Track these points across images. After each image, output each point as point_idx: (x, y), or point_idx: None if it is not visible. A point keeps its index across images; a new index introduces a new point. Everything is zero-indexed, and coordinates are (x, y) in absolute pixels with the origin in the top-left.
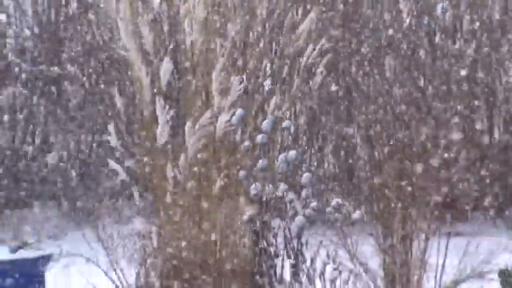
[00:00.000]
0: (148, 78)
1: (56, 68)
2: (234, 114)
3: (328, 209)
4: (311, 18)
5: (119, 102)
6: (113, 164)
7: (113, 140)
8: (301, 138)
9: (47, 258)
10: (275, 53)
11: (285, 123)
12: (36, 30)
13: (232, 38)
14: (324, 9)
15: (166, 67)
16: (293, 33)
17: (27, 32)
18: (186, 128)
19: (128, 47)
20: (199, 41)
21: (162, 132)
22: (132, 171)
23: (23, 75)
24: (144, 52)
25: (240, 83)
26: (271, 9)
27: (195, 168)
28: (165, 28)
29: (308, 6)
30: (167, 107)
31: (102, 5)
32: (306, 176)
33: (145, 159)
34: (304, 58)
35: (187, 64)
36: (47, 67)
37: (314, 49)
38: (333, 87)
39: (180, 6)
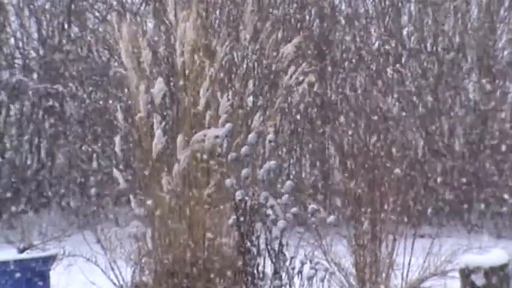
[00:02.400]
0: (145, 95)
1: (59, 86)
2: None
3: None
4: (294, 44)
5: (120, 116)
6: (116, 172)
7: (118, 149)
8: (281, 150)
9: (51, 258)
10: (258, 73)
11: (270, 137)
12: (41, 51)
13: (219, 60)
14: (302, 33)
15: (159, 87)
16: (276, 55)
17: (33, 54)
18: (178, 141)
19: (127, 66)
20: (190, 62)
21: (156, 144)
22: (130, 179)
23: (30, 93)
24: (142, 71)
25: (228, 100)
26: (254, 33)
27: (186, 177)
28: (161, 49)
29: (287, 32)
30: (162, 122)
31: (101, 29)
32: (288, 184)
33: (142, 168)
34: (286, 78)
35: (180, 82)
36: (51, 85)
37: (295, 71)
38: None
39: (175, 29)
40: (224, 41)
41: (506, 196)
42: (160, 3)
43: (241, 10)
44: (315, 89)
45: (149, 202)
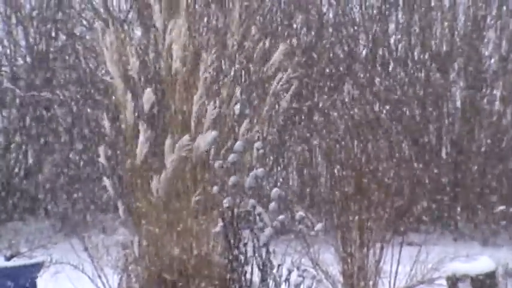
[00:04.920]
0: (131, 103)
1: (46, 94)
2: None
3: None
4: (281, 51)
5: (106, 124)
6: (105, 180)
7: (102, 159)
8: (268, 158)
9: (38, 266)
10: (245, 80)
11: (257, 144)
12: (28, 59)
13: (207, 67)
14: (289, 41)
15: (148, 96)
16: (263, 63)
17: (21, 61)
18: (166, 146)
19: (113, 74)
20: (179, 69)
21: (141, 151)
22: (117, 186)
23: (17, 100)
24: (129, 78)
25: (214, 108)
26: (240, 41)
27: (174, 184)
28: (151, 56)
29: (275, 40)
30: (149, 130)
31: (88, 37)
32: (274, 192)
33: (129, 176)
34: (273, 85)
35: (169, 89)
36: (39, 93)
37: (282, 78)
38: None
39: (163, 37)
40: (212, 48)
41: (493, 204)
42: (148, 11)
43: (229, 18)
44: (302, 96)
45: (136, 209)
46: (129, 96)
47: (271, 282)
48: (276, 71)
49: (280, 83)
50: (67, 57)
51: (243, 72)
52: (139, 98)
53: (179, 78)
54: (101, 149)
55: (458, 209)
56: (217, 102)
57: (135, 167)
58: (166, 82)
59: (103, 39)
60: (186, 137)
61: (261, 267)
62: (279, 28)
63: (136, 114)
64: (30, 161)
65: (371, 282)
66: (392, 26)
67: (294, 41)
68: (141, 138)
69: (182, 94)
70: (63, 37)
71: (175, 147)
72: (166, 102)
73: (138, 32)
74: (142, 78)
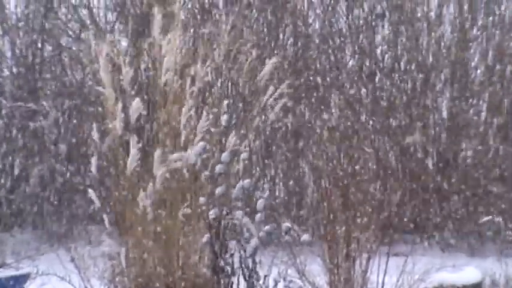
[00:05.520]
0: (122, 113)
1: (32, 105)
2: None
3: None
4: (272, 63)
5: (95, 135)
6: (91, 192)
7: (94, 169)
8: (255, 169)
9: (25, 277)
10: (232, 92)
11: (243, 155)
12: (14, 70)
13: (199, 79)
14: (276, 52)
15: (136, 106)
16: (252, 75)
17: (7, 72)
18: (155, 158)
19: (105, 83)
20: (170, 81)
21: (132, 162)
22: (104, 197)
23: (3, 111)
24: (119, 89)
25: (206, 120)
26: (227, 52)
27: (161, 195)
28: (142, 66)
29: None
30: (139, 142)
31: (74, 48)
32: (260, 202)
33: (117, 186)
34: (264, 98)
35: (160, 100)
36: (25, 103)
37: (275, 91)
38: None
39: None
40: (202, 60)
41: (479, 214)
42: (136, 23)
43: (217, 30)
44: (289, 108)
45: (123, 221)
46: (119, 106)
47: None
48: (266, 84)
49: (273, 96)
50: (53, 68)
51: (231, 84)
52: (129, 108)
53: (169, 90)
54: (93, 160)
55: (445, 219)
56: (206, 114)
57: (124, 178)
58: (157, 93)
59: (95, 49)
60: (178, 153)
61: (248, 278)
62: (266, 39)
63: (125, 124)
64: (17, 171)
65: None
66: (379, 37)
67: (281, 52)
68: (132, 150)
69: (171, 106)
70: (49, 48)
71: (164, 159)
72: (155, 113)
73: (123, 43)
74: (134, 88)
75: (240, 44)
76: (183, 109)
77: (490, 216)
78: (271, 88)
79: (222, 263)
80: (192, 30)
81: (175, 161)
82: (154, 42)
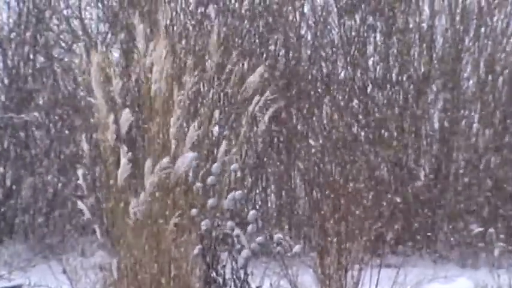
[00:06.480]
0: (113, 124)
1: (24, 116)
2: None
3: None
4: (259, 72)
5: (85, 146)
6: (80, 204)
7: (81, 181)
8: (247, 180)
9: None
10: (224, 102)
11: (233, 167)
12: (6, 81)
13: (187, 89)
14: (267, 62)
15: (125, 117)
16: (241, 85)
17: None
18: (146, 168)
19: (96, 95)
20: (158, 91)
21: (122, 173)
22: (95, 208)
23: None
24: (111, 100)
25: (196, 130)
26: (219, 63)
27: (152, 205)
28: (133, 78)
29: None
30: (129, 153)
31: (66, 59)
32: (251, 214)
33: (107, 198)
34: (251, 107)
35: (149, 111)
36: (17, 115)
37: (260, 100)
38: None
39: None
40: (191, 71)
41: (471, 226)
42: (128, 33)
43: (207, 40)
44: (280, 119)
45: (115, 232)
46: (111, 117)
47: None
48: (253, 93)
49: (259, 104)
50: (45, 79)
51: (221, 94)
52: (119, 119)
53: (158, 100)
54: (80, 172)
55: (437, 230)
56: (196, 124)
57: (115, 189)
58: (146, 104)
59: (87, 60)
60: (166, 159)
61: None
62: (257, 50)
63: (116, 135)
64: (8, 183)
65: None
66: (370, 48)
67: (272, 62)
68: (123, 160)
69: (160, 116)
70: (40, 58)
71: (154, 169)
72: (145, 123)
73: (115, 54)
74: (124, 100)
75: (231, 55)
76: (172, 119)
77: (482, 228)
78: (257, 97)
79: (213, 274)
80: (184, 42)
81: (165, 169)
82: (139, 52)
